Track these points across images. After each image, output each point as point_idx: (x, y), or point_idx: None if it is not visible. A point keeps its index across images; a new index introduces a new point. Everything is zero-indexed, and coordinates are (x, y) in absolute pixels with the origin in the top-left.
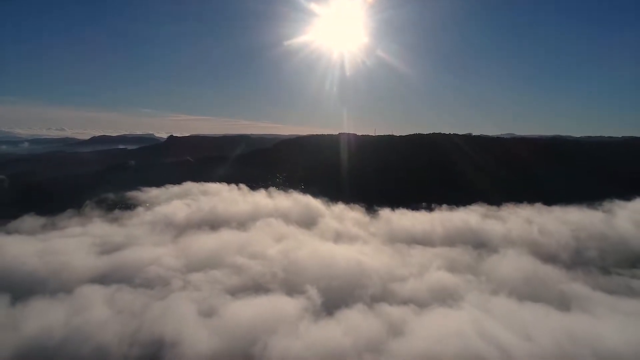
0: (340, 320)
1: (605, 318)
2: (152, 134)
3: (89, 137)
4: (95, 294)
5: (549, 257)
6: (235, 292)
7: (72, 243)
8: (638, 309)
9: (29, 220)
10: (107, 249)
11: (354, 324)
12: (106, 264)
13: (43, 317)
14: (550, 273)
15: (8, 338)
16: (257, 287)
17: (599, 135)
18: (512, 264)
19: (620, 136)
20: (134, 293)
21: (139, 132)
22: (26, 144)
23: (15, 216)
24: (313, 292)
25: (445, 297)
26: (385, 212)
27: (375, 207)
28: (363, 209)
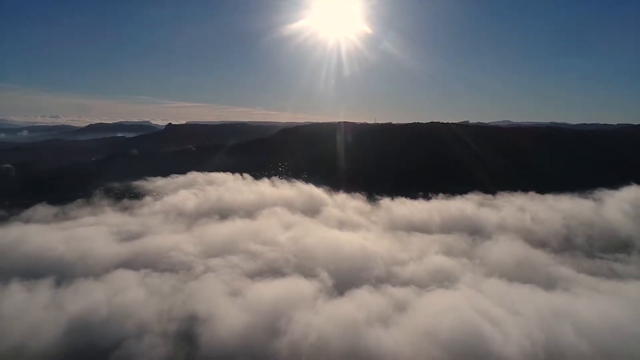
0: (351, 298)
1: (585, 297)
2: (149, 122)
3: (84, 125)
4: (127, 277)
5: (539, 243)
6: (254, 275)
7: (92, 231)
8: (615, 289)
9: (42, 209)
10: (125, 237)
11: (364, 302)
12: (129, 251)
13: (86, 298)
14: (540, 257)
15: (56, 317)
16: (273, 271)
17: (594, 122)
18: (504, 249)
19: (615, 124)
20: (162, 277)
21: (134, 120)
22: (25, 132)
23: (25, 205)
24: (324, 275)
25: (442, 279)
26: (385, 201)
27: (375, 196)
28: (364, 198)
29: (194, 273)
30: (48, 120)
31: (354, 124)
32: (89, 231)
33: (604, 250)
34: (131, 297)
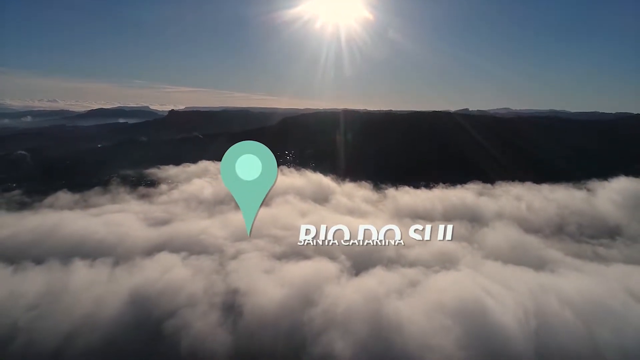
0: (370, 276)
1: (569, 276)
2: (147, 106)
3: (83, 110)
4: (169, 258)
5: (533, 230)
6: (281, 257)
7: (122, 217)
8: (597, 269)
9: (63, 196)
10: (154, 223)
11: (381, 278)
12: (162, 235)
13: (139, 275)
14: (532, 242)
15: (117, 290)
16: (297, 253)
17: (593, 110)
18: (500, 235)
19: (614, 112)
20: (199, 258)
21: (133, 104)
22: (29, 118)
23: (42, 192)
24: (342, 257)
25: (445, 261)
26: (390, 191)
27: (380, 185)
28: (370, 187)
29: (227, 255)
30: (46, 105)
31: (356, 111)
32: (119, 217)
33: (592, 237)
34: (178, 274)
